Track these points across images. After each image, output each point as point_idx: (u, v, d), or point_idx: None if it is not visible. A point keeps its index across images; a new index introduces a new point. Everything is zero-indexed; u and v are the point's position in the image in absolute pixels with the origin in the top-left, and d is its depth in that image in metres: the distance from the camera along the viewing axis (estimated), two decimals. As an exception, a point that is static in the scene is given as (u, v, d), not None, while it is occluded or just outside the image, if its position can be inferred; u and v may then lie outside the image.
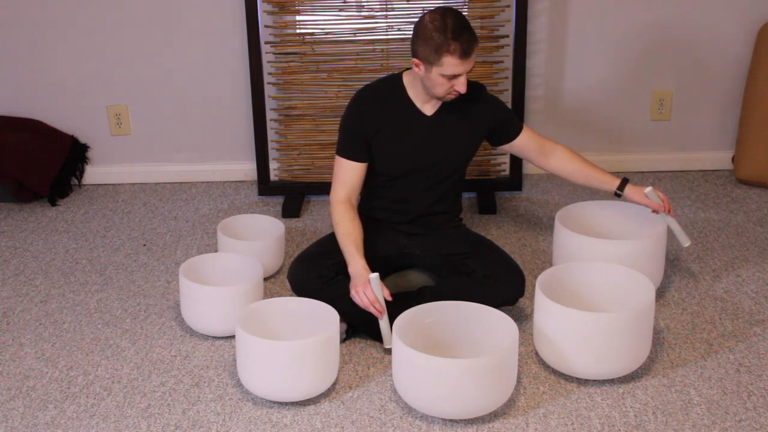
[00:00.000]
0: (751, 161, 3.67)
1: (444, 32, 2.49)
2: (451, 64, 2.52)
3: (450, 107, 2.71)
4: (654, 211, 2.85)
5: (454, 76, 2.55)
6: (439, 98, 2.65)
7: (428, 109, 2.71)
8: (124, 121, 3.87)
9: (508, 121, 2.84)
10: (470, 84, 2.78)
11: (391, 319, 2.49)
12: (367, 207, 2.87)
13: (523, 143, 2.85)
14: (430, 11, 2.56)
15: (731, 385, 2.44)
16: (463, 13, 3.50)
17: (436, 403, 2.26)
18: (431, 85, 2.61)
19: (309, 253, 2.77)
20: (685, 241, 2.88)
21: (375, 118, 2.70)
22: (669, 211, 2.84)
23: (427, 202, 2.80)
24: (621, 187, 2.84)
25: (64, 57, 3.77)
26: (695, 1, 3.66)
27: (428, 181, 2.78)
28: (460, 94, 2.61)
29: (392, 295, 2.55)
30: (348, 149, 2.72)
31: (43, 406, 2.42)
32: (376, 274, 2.49)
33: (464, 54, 2.50)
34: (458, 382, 2.22)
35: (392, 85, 2.73)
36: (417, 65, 2.58)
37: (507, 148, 2.88)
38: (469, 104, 2.74)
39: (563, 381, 2.47)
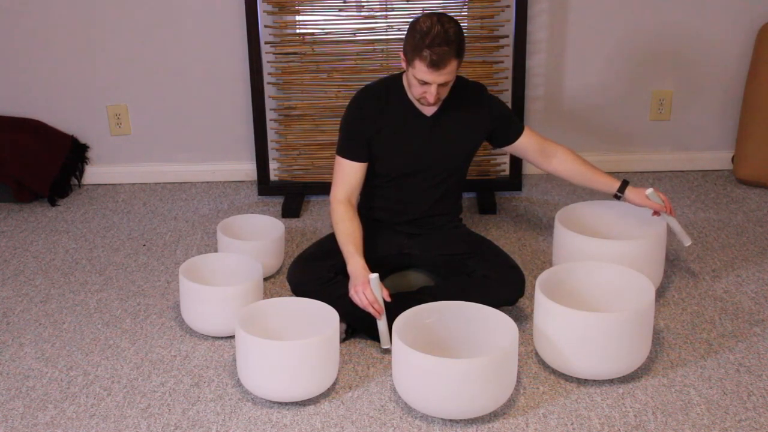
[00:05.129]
0: (751, 161, 3.67)
1: (424, 37, 2.48)
2: (421, 69, 2.51)
3: (449, 108, 2.71)
4: (655, 213, 2.85)
5: (426, 83, 2.54)
6: (416, 99, 2.64)
7: (428, 109, 2.71)
8: (124, 121, 3.87)
9: (509, 122, 2.83)
10: (471, 85, 2.78)
11: (391, 319, 2.48)
12: (367, 207, 2.87)
13: (525, 145, 2.85)
14: (431, 13, 2.56)
15: (731, 385, 2.44)
16: (464, 12, 3.55)
17: (436, 403, 2.26)
18: (408, 84, 2.64)
19: (308, 254, 2.77)
20: (687, 241, 2.89)
21: (375, 118, 2.70)
22: (670, 212, 2.84)
23: (427, 203, 2.80)
24: (621, 189, 2.84)
25: (64, 57, 3.76)
26: (695, 2, 3.66)
27: (428, 182, 2.78)
28: (437, 101, 2.60)
29: (392, 295, 2.55)
30: (348, 149, 2.72)
31: (43, 406, 2.42)
32: (375, 275, 2.49)
33: (433, 65, 2.48)
34: (458, 382, 2.22)
35: (392, 85, 2.73)
36: (402, 60, 2.59)
37: (508, 149, 2.88)
38: (468, 105, 2.74)
39: (563, 381, 2.47)
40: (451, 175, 2.80)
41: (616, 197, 2.87)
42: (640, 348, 2.43)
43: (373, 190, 2.83)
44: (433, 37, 2.47)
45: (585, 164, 2.89)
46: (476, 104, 2.76)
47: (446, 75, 2.52)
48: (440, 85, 2.55)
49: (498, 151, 3.54)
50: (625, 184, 2.85)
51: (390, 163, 2.75)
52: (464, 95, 2.74)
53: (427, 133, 2.72)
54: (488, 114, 2.78)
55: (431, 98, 2.57)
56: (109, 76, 3.80)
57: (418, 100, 2.63)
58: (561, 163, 2.89)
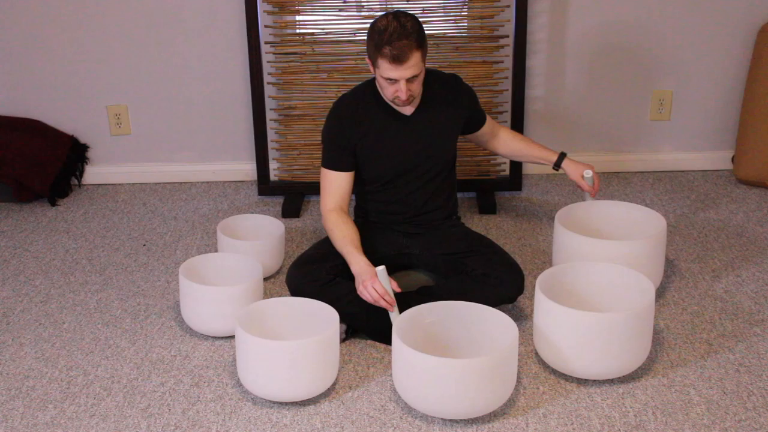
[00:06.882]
0: (751, 161, 3.67)
1: (382, 35, 2.49)
2: (385, 67, 2.52)
3: (428, 104, 2.72)
4: (581, 188, 3.02)
5: (394, 81, 2.54)
6: (390, 100, 2.64)
7: (406, 109, 2.71)
8: (124, 121, 3.87)
9: (479, 110, 2.92)
10: (445, 77, 2.80)
11: (391, 319, 2.49)
12: (362, 212, 2.88)
13: (485, 130, 2.98)
14: (388, 12, 2.56)
15: (731, 385, 2.44)
16: (464, 12, 3.55)
17: (436, 403, 2.26)
18: (379, 87, 2.65)
19: (306, 257, 2.76)
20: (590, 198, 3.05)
21: (355, 126, 2.70)
22: (594, 194, 3.02)
23: (420, 201, 2.81)
24: (558, 163, 3.00)
25: (64, 57, 3.77)
26: (695, 1, 3.66)
27: (419, 181, 2.78)
28: (410, 98, 2.61)
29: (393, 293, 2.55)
30: (332, 160, 2.72)
31: (43, 406, 2.42)
32: (382, 267, 2.48)
33: (395, 60, 2.49)
34: (458, 382, 2.22)
35: (368, 91, 2.73)
36: (369, 64, 2.61)
37: (470, 136, 2.99)
38: (445, 98, 2.76)
39: (563, 381, 2.47)
40: (441, 170, 2.80)
41: (555, 169, 3.03)
42: (640, 348, 2.43)
43: (366, 195, 2.84)
44: (391, 33, 2.48)
45: (526, 140, 3.07)
46: (453, 96, 2.78)
47: (411, 68, 2.52)
48: (409, 81, 2.55)
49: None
50: (562, 157, 3.00)
51: (378, 168, 2.75)
52: (440, 89, 2.76)
53: (409, 133, 2.72)
54: (465, 104, 2.82)
55: (403, 96, 2.57)
56: (109, 76, 3.80)
57: (393, 101, 2.63)
58: (504, 142, 3.05)
